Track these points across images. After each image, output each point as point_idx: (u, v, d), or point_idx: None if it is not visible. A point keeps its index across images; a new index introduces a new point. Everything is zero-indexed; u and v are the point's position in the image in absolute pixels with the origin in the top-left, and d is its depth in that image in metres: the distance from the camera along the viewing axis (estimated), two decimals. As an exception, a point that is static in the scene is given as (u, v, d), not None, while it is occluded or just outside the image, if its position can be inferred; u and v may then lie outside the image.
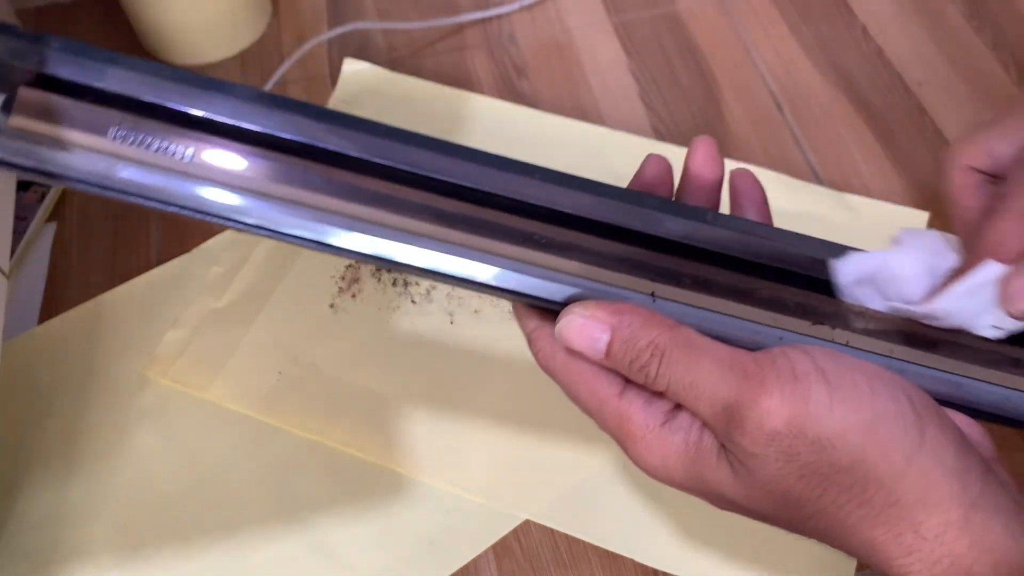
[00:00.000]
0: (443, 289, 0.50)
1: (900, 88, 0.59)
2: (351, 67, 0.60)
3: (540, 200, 0.28)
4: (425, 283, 0.50)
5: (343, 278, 0.51)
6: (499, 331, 0.48)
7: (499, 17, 0.64)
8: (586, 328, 0.27)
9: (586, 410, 0.29)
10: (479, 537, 0.42)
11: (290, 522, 0.43)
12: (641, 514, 0.43)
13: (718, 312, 0.29)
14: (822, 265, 0.29)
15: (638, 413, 0.27)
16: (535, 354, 0.30)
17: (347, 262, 0.51)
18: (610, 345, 0.27)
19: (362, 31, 0.63)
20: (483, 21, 0.64)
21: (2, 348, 0.45)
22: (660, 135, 0.57)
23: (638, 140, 0.56)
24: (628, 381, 0.28)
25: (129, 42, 0.64)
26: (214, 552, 0.42)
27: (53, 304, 0.51)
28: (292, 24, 0.65)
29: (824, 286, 0.29)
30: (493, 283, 0.28)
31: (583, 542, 0.42)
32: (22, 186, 0.55)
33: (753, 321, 0.29)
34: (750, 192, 0.33)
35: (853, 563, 0.41)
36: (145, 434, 0.46)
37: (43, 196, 0.55)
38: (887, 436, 0.24)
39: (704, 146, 0.32)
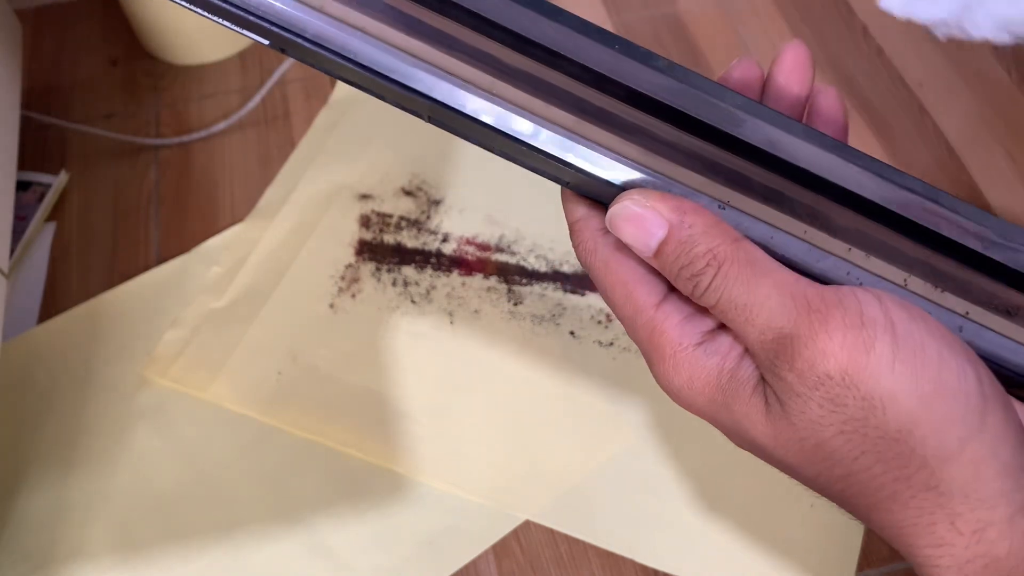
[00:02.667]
0: (443, 289, 0.50)
1: (900, 88, 0.59)
2: (351, 67, 0.60)
3: (614, 73, 0.25)
4: (425, 283, 0.50)
5: (343, 278, 0.51)
6: (499, 331, 0.48)
7: (499, 17, 0.64)
8: (642, 219, 0.24)
9: (618, 315, 0.27)
10: (479, 537, 0.42)
11: (289, 522, 0.43)
12: (641, 514, 0.43)
13: (787, 232, 0.26)
14: (914, 206, 0.26)
15: (673, 329, 0.25)
16: (576, 246, 0.27)
17: (347, 262, 0.51)
18: (664, 244, 0.24)
19: (362, 31, 0.63)
20: (483, 21, 0.64)
21: (2, 348, 0.45)
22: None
23: (638, 140, 0.56)
24: (670, 291, 0.26)
25: (128, 42, 0.64)
26: (213, 552, 0.42)
27: (52, 304, 0.51)
28: (292, 24, 0.65)
29: (909, 227, 0.26)
30: (546, 147, 0.26)
31: (583, 542, 0.42)
32: (21, 186, 0.55)
33: (822, 249, 0.26)
34: (831, 116, 0.29)
35: (854, 563, 0.41)
36: (144, 434, 0.46)
37: (42, 196, 0.55)
38: (944, 413, 0.22)
39: (793, 53, 0.28)
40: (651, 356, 0.26)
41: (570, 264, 0.51)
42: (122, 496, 0.44)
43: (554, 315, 0.49)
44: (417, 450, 0.45)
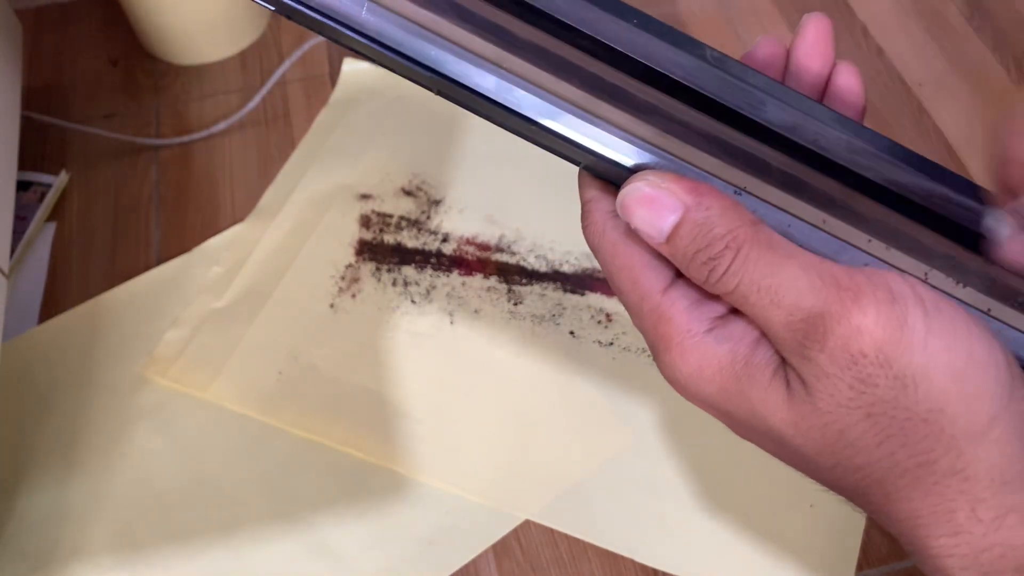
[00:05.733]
0: (443, 289, 0.50)
1: (900, 88, 0.59)
2: (350, 67, 0.60)
3: (630, 49, 0.24)
4: (425, 283, 0.50)
5: (343, 278, 0.51)
6: (499, 331, 0.48)
7: (499, 17, 0.64)
8: (655, 200, 0.23)
9: (624, 302, 0.26)
10: (479, 537, 0.42)
11: (289, 522, 0.43)
12: (641, 514, 0.43)
13: (805, 221, 0.25)
14: (937, 196, 0.25)
15: (680, 315, 0.24)
16: (585, 228, 0.26)
17: (347, 262, 0.51)
18: (678, 227, 0.23)
19: (362, 31, 0.63)
20: (483, 21, 0.64)
21: (2, 348, 0.45)
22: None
23: (638, 140, 0.56)
24: (677, 277, 0.25)
25: (129, 42, 0.64)
26: (213, 551, 0.42)
27: (53, 304, 0.51)
28: (292, 24, 0.65)
29: (932, 218, 0.25)
30: (556, 128, 0.24)
31: (583, 542, 0.42)
32: (22, 186, 0.55)
33: (841, 239, 0.25)
34: (850, 95, 0.27)
35: (853, 563, 0.41)
36: (144, 434, 0.46)
37: (43, 196, 0.55)
38: (975, 388, 0.21)
39: (815, 26, 0.27)
40: (657, 345, 0.25)
41: (570, 264, 0.51)
42: (122, 495, 0.44)
43: (554, 315, 0.49)
44: (417, 449, 0.45)
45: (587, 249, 0.51)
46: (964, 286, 0.25)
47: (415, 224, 0.53)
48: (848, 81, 0.27)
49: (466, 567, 0.42)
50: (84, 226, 0.54)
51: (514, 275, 0.51)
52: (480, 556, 0.42)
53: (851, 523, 0.42)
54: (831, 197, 0.25)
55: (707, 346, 0.24)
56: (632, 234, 0.25)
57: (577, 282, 0.50)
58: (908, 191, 0.25)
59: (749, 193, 0.25)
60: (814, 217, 0.25)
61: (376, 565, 0.42)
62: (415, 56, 0.24)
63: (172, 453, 0.45)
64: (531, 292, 0.50)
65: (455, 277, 0.51)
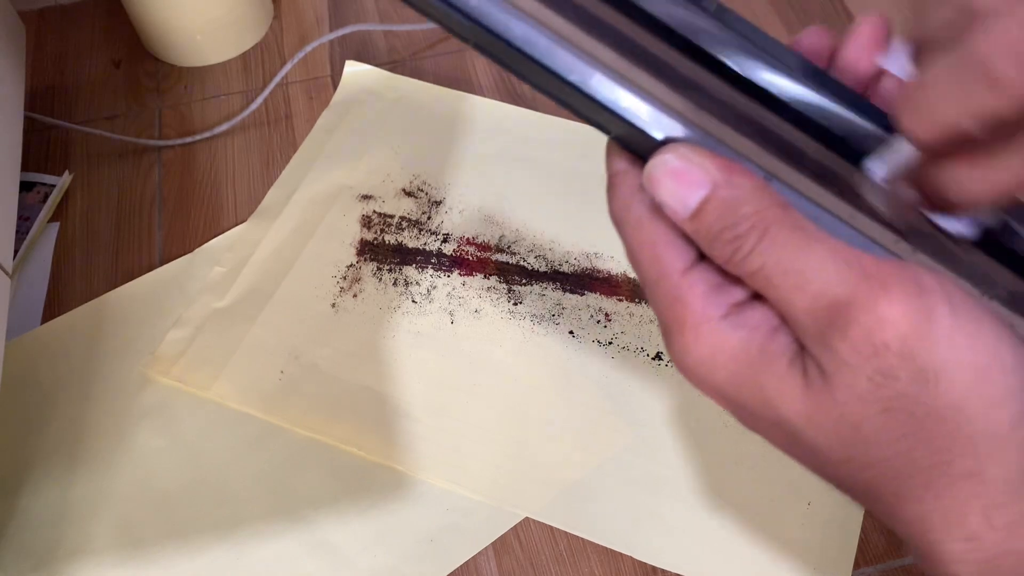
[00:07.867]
0: (443, 289, 0.50)
1: (898, 90, 0.59)
2: (352, 69, 0.61)
3: (671, 19, 0.24)
4: (425, 283, 0.51)
5: (344, 278, 0.51)
6: (499, 331, 0.49)
7: (499, 19, 0.65)
8: (683, 174, 0.23)
9: (642, 279, 0.25)
10: (479, 535, 0.43)
11: (291, 520, 0.43)
12: (640, 511, 0.43)
13: (833, 214, 0.24)
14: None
15: (698, 299, 0.23)
16: (610, 202, 0.25)
17: (349, 262, 0.52)
18: (704, 203, 0.22)
19: (363, 33, 0.64)
20: (483, 23, 0.64)
21: (5, 348, 0.45)
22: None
23: (637, 141, 0.56)
24: (699, 259, 0.24)
25: (131, 44, 0.64)
26: (215, 550, 0.43)
27: (56, 304, 0.51)
28: (294, 26, 0.65)
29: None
30: (584, 87, 0.24)
31: (582, 539, 0.43)
32: (25, 187, 0.55)
33: (869, 236, 0.24)
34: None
35: (851, 561, 0.41)
36: (147, 433, 0.46)
37: (46, 197, 0.55)
38: (999, 390, 0.21)
39: (871, 28, 0.26)
40: (670, 327, 0.24)
41: (569, 264, 0.51)
42: (125, 494, 0.44)
43: (553, 315, 0.49)
44: (418, 448, 0.45)
45: (586, 249, 0.51)
46: (991, 299, 0.24)
47: (416, 224, 0.53)
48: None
49: (466, 564, 0.42)
50: (87, 226, 0.55)
51: (514, 275, 0.51)
52: (480, 554, 0.42)
53: (849, 521, 0.42)
54: (862, 192, 0.24)
55: (721, 332, 0.23)
56: (658, 210, 0.24)
57: (576, 282, 0.50)
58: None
59: (779, 180, 0.24)
60: (843, 211, 0.24)
61: (377, 562, 0.42)
62: (456, 3, 0.23)
63: (174, 452, 0.45)
64: (531, 292, 0.50)
65: (455, 277, 0.51)
